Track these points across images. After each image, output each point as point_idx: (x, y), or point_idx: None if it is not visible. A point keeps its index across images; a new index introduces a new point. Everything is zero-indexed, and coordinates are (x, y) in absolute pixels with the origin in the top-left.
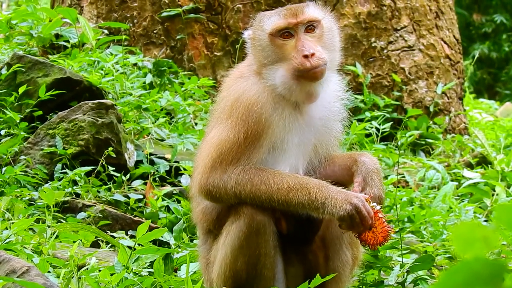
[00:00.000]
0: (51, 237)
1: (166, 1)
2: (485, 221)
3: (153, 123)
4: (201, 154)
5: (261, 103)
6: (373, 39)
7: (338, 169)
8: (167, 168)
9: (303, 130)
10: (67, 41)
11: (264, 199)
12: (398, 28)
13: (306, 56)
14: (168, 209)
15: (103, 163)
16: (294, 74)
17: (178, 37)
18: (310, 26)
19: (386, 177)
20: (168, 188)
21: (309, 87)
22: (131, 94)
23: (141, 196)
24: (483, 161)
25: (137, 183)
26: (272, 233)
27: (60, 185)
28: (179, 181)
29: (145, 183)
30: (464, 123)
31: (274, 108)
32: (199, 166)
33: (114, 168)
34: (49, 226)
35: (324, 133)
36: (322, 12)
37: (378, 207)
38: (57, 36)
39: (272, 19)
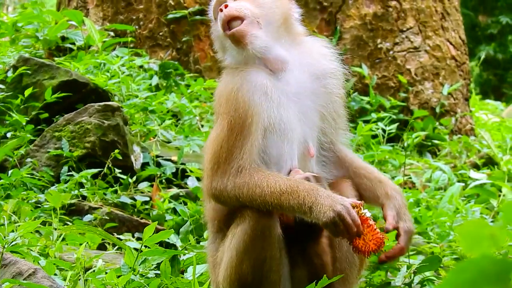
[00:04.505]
0: (58, 240)
1: (172, 3)
2: (492, 222)
3: (159, 125)
4: (204, 160)
5: (236, 87)
6: (379, 41)
7: (364, 188)
8: (174, 170)
9: (296, 99)
10: (73, 44)
11: (260, 202)
12: (404, 29)
13: (221, 10)
14: (174, 211)
15: (110, 165)
16: (223, 32)
17: (184, 39)
18: None
19: (392, 178)
20: (174, 190)
21: (238, 43)
22: (137, 96)
23: (148, 198)
24: (490, 162)
25: (143, 185)
26: (277, 236)
27: (67, 188)
28: (186, 183)
29: (152, 185)
30: (470, 124)
31: (252, 88)
32: (203, 171)
33: (120, 170)
34: (55, 229)
35: (321, 93)
36: None
37: (369, 214)
38: (63, 38)
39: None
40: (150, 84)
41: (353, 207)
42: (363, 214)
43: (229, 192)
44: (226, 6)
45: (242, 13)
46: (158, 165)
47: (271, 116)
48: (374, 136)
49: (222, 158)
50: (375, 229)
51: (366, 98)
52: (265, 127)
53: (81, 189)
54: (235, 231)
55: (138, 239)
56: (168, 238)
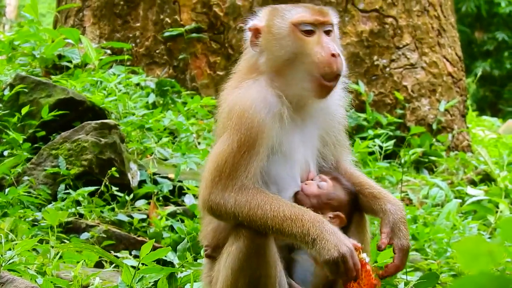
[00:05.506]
0: (55, 258)
1: (169, 21)
2: (490, 238)
3: (156, 142)
4: (204, 170)
5: (254, 107)
6: (375, 57)
7: (360, 204)
8: (171, 188)
9: (303, 125)
10: (70, 62)
11: (260, 224)
12: (401, 46)
13: (333, 55)
14: (171, 228)
15: (107, 183)
16: (314, 73)
17: (180, 56)
18: (329, 30)
19: None
20: (171, 208)
21: (322, 94)
22: (134, 114)
23: (145, 216)
24: (487, 178)
25: (140, 203)
26: (272, 255)
27: (64, 206)
28: (183, 201)
29: (149, 203)
30: (467, 140)
31: (269, 110)
32: (202, 181)
33: (117, 188)
34: (52, 247)
35: (327, 120)
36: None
37: (368, 259)
38: (60, 56)
39: (296, 10)
40: (147, 102)
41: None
42: (362, 259)
43: (228, 209)
44: (338, 55)
45: (343, 72)
46: (155, 182)
47: (281, 140)
48: (371, 153)
49: (225, 172)
50: (371, 274)
51: (363, 115)
52: (271, 149)
53: (78, 207)
54: (230, 249)
55: (136, 256)
56: (166, 256)
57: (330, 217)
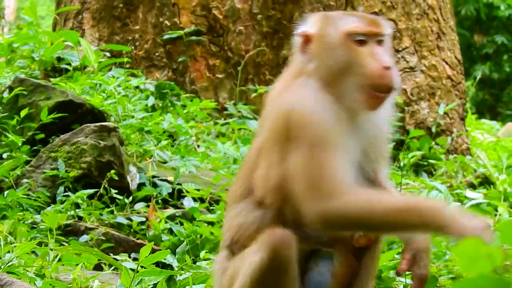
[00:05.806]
0: (54, 260)
1: (168, 24)
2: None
3: (155, 145)
4: (294, 193)
5: (317, 110)
6: None
7: None
8: (170, 191)
9: (353, 136)
10: (69, 64)
11: (372, 223)
12: (400, 49)
13: (387, 68)
14: (171, 231)
15: (106, 186)
16: (365, 84)
17: (180, 59)
18: (381, 39)
19: None
20: (170, 211)
21: (374, 105)
22: (133, 117)
23: (144, 219)
24: (486, 182)
25: (139, 206)
26: (293, 270)
27: (63, 208)
28: (182, 204)
29: (148, 206)
30: (466, 143)
31: (329, 115)
32: (301, 204)
33: (116, 191)
34: (51, 249)
35: (374, 135)
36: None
37: None
38: (59, 59)
39: (350, 20)
40: (146, 105)
41: None
42: None
43: (339, 216)
44: (391, 68)
45: (396, 85)
46: (154, 185)
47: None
48: None
49: (318, 182)
50: None
51: None
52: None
53: (77, 210)
54: (252, 259)
55: (135, 259)
56: (165, 259)
57: (359, 235)
